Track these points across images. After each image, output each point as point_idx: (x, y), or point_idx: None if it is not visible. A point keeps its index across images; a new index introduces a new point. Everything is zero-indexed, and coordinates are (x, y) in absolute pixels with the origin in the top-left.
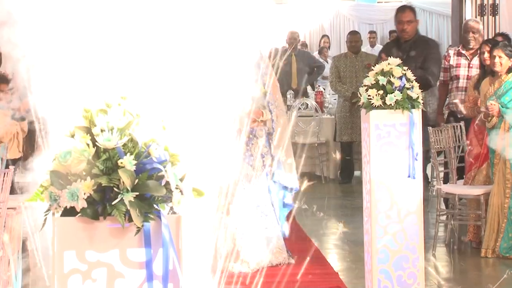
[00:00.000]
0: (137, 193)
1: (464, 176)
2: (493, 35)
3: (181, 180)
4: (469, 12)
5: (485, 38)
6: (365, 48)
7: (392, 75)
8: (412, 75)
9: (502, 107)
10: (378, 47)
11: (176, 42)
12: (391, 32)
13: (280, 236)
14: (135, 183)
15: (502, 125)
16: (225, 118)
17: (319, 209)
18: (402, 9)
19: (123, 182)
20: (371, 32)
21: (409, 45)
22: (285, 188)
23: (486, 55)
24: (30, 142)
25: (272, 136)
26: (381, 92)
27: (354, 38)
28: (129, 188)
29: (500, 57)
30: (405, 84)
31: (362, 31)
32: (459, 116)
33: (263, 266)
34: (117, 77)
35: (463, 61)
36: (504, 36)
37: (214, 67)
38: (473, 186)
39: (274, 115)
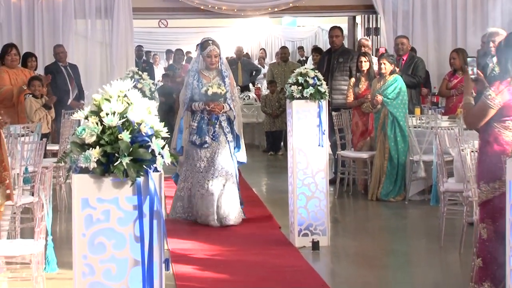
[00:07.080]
0: (132, 158)
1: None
2: (375, 49)
3: (162, 148)
4: (359, 33)
5: (370, 51)
6: (295, 58)
7: (308, 76)
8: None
9: (384, 97)
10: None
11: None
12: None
13: (239, 199)
14: (130, 150)
15: (383, 110)
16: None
17: (257, 168)
18: (332, 28)
19: (122, 150)
20: (300, 48)
21: (338, 54)
22: (238, 162)
23: (363, 63)
24: (56, 124)
25: (232, 120)
26: (300, 87)
27: (283, 51)
28: (126, 154)
29: (384, 63)
30: (316, 82)
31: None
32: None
33: (227, 224)
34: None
35: None
36: (384, 49)
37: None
38: (362, 152)
39: (232, 106)
